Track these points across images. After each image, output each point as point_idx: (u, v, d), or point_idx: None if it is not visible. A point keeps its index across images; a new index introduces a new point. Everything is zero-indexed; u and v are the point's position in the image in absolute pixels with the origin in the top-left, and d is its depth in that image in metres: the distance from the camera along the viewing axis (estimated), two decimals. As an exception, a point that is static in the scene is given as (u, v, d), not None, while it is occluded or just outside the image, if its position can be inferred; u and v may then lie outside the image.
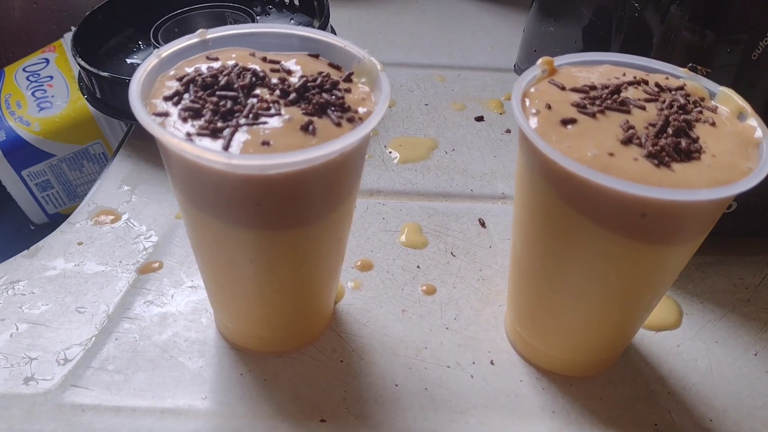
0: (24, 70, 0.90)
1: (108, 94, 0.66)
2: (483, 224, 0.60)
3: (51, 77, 0.87)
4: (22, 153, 0.83)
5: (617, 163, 0.37)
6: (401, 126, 0.72)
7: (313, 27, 0.77)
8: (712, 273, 0.57)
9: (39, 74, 0.88)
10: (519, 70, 0.72)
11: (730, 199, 0.37)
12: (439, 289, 0.54)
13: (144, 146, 0.68)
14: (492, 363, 0.49)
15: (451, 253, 0.58)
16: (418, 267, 0.56)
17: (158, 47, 0.67)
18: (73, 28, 0.93)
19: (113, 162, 0.67)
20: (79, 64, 0.66)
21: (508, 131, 0.72)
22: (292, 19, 0.79)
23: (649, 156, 0.38)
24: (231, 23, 0.74)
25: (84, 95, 0.69)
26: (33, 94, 0.86)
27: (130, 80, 0.39)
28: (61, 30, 0.94)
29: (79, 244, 0.57)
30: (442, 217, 0.61)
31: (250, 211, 0.39)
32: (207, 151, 0.36)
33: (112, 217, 0.60)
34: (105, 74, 0.64)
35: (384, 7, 0.97)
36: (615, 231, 0.38)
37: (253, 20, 0.71)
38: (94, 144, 0.85)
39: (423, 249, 0.58)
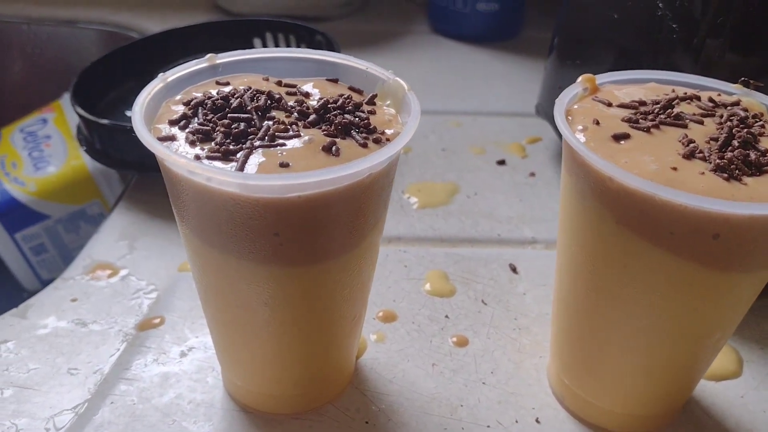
0: (21, 131, 0.86)
1: (107, 144, 0.62)
2: (515, 270, 0.55)
3: (49, 137, 0.84)
4: (16, 215, 0.78)
5: (682, 178, 0.33)
6: (418, 171, 0.68)
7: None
8: (768, 316, 0.52)
9: (36, 134, 0.85)
10: (542, 109, 0.68)
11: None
12: (472, 341, 0.49)
13: (145, 199, 0.64)
14: (537, 421, 0.43)
15: (482, 301, 0.52)
16: (446, 317, 0.51)
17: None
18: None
19: (111, 216, 0.62)
20: (77, 113, 0.62)
21: (533, 174, 0.68)
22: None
23: (718, 169, 0.33)
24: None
25: (82, 146, 0.65)
26: (30, 154, 0.82)
27: (130, 127, 0.35)
28: (60, 90, 0.92)
29: (73, 300, 0.52)
30: (470, 263, 0.56)
31: (266, 242, 0.34)
32: (219, 171, 0.31)
33: (109, 272, 0.55)
34: (105, 122, 0.60)
35: (394, 56, 0.94)
36: (682, 256, 0.34)
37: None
38: (91, 204, 0.81)
39: (451, 297, 0.53)
